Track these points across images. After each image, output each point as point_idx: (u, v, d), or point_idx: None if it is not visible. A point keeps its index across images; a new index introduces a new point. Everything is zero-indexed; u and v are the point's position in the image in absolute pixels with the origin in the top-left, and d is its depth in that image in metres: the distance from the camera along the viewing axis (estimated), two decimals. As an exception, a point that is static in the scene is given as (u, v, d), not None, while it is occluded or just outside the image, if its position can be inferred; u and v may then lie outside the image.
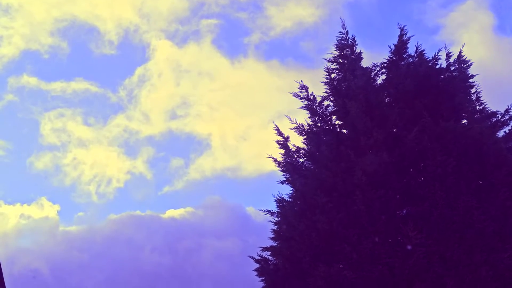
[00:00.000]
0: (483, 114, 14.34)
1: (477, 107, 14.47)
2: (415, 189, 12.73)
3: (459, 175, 12.56)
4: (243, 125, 57.73)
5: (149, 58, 58.54)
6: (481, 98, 14.49)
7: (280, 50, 59.12)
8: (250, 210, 47.46)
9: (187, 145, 60.16)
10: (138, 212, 47.80)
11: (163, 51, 54.55)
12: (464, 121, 13.91)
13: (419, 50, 14.44)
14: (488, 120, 14.10)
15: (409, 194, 12.80)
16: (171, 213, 46.96)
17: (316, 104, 14.45)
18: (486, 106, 14.45)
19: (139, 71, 55.63)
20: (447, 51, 14.43)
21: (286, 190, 14.48)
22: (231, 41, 60.43)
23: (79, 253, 42.82)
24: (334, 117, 14.40)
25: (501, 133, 14.04)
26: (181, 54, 55.17)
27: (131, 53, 57.94)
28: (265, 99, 54.52)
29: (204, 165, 54.07)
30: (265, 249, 13.92)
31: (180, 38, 59.04)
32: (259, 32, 54.70)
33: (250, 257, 14.01)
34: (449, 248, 12.00)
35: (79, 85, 52.46)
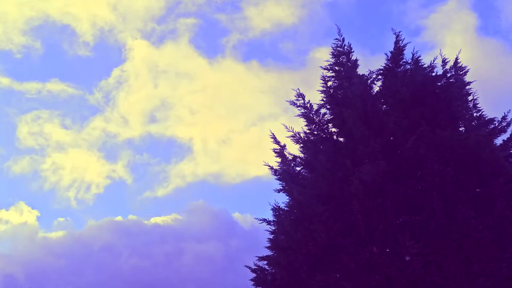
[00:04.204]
0: (480, 121, 14.64)
1: (475, 114, 14.76)
2: (413, 198, 13.01)
3: (457, 184, 12.84)
4: (224, 128, 57.72)
5: (125, 59, 58.15)
6: (478, 105, 14.82)
7: (259, 51, 59.30)
8: (237, 216, 47.57)
9: (168, 149, 60.03)
10: (119, 218, 47.71)
11: (139, 51, 54.34)
12: (462, 129, 14.22)
13: (415, 57, 14.77)
14: (485, 128, 14.41)
15: (406, 203, 13.08)
16: (155, 219, 46.98)
17: (313, 112, 14.79)
18: (483, 113, 14.77)
19: (115, 72, 55.28)
20: (443, 57, 14.75)
21: (283, 199, 14.81)
22: (209, 41, 60.10)
23: (58, 260, 42.78)
24: (330, 125, 14.73)
25: (499, 141, 14.39)
26: (158, 54, 54.97)
27: (107, 54, 57.56)
28: (245, 101, 54.65)
29: (186, 170, 53.89)
30: (261, 258, 14.22)
31: (156, 38, 58.71)
32: (237, 33, 54.64)
33: (247, 266, 14.28)
34: (446, 258, 12.28)
35: (54, 86, 52.08)
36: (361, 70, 14.88)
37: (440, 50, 14.85)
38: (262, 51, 59.25)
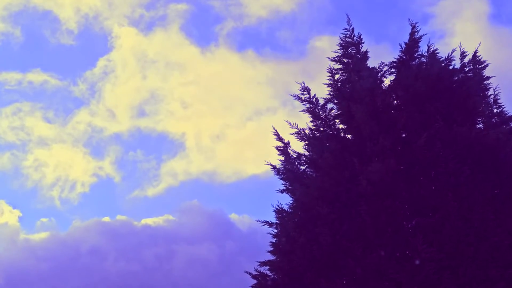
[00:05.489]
0: (501, 117, 14.23)
1: (495, 110, 14.37)
2: (425, 199, 12.61)
3: (473, 185, 12.45)
4: (219, 123, 56.91)
5: (111, 48, 57.39)
6: (499, 101, 14.39)
7: (255, 40, 58.46)
8: (234, 217, 47.12)
9: (158, 145, 59.46)
10: (106, 219, 47.42)
11: (126, 39, 53.34)
12: (480, 125, 13.80)
13: (431, 49, 14.35)
14: (506, 125, 13.98)
15: (418, 205, 12.69)
16: (145, 220, 46.69)
17: (319, 107, 14.44)
18: (504, 109, 14.34)
19: (101, 62, 54.52)
20: (461, 50, 14.31)
21: (285, 200, 14.48)
22: (201, 29, 59.11)
23: (41, 263, 42.47)
24: (337, 121, 14.37)
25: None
26: (146, 42, 54.16)
27: (92, 42, 56.68)
28: (241, 93, 53.85)
29: (178, 168, 53.36)
30: (263, 263, 13.89)
31: (145, 25, 57.91)
32: (231, 20, 53.88)
33: (247, 272, 14.01)
34: (462, 263, 11.88)
35: (36, 76, 51.53)
36: (369, 61, 14.50)
37: (460, 43, 14.47)
38: (259, 39, 58.38)
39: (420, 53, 14.52)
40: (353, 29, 14.48)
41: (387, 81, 14.36)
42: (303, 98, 14.52)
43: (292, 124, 14.40)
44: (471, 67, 14.33)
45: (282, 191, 14.59)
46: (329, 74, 14.48)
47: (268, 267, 13.78)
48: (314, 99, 14.48)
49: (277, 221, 14.17)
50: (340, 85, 14.42)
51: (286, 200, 14.39)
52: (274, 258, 13.79)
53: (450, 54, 14.33)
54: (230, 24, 54.83)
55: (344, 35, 14.51)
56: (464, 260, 11.89)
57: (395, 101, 14.02)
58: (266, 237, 14.05)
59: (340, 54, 14.55)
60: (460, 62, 14.34)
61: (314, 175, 13.99)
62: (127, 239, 43.76)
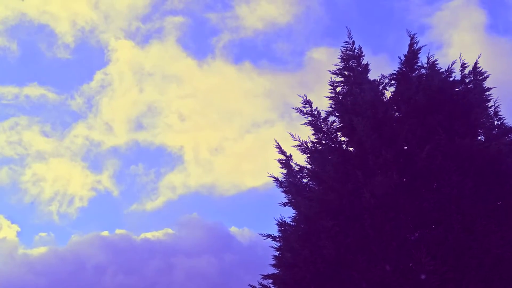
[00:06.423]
0: (501, 129, 14.31)
1: (495, 122, 14.43)
2: (429, 211, 12.67)
3: (476, 197, 12.50)
4: (217, 136, 56.97)
5: (108, 61, 57.45)
6: (499, 113, 14.48)
7: (252, 52, 58.73)
8: (234, 230, 47.08)
9: (156, 159, 59.41)
10: (105, 233, 47.25)
11: (123, 52, 53.43)
12: (481, 137, 13.88)
13: (431, 61, 14.43)
14: (507, 136, 14.04)
15: (422, 217, 12.75)
16: (144, 234, 46.53)
17: (321, 120, 14.51)
18: (504, 121, 14.42)
19: (98, 75, 54.49)
20: (461, 62, 14.38)
21: (287, 213, 14.52)
22: (198, 41, 59.29)
23: (40, 278, 42.25)
24: (339, 134, 14.43)
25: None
26: (143, 55, 54.26)
27: (88, 56, 56.81)
28: (238, 105, 53.98)
29: (176, 182, 53.24)
30: (266, 277, 13.90)
31: (141, 37, 57.97)
32: (228, 32, 54.00)
33: (251, 285, 14.00)
34: (465, 276, 11.92)
35: (33, 90, 51.47)
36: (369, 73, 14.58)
37: (460, 54, 14.53)
38: (255, 52, 58.76)
39: (419, 64, 14.59)
40: (353, 42, 14.59)
41: (388, 94, 14.48)
42: (305, 111, 14.60)
43: (294, 136, 14.51)
44: (472, 78, 14.40)
45: (284, 204, 14.62)
46: (330, 87, 14.58)
47: (272, 280, 13.79)
48: (315, 112, 14.58)
49: (280, 235, 14.20)
50: (342, 98, 14.49)
51: (287, 213, 14.43)
52: (278, 271, 13.82)
53: (450, 66, 14.40)
54: (227, 37, 55.17)
55: (345, 48, 14.62)
56: (468, 273, 11.92)
57: (397, 114, 14.09)
58: (266, 250, 14.10)
59: (341, 67, 14.65)
60: (461, 74, 14.40)
61: (316, 188, 13.99)
62: (127, 253, 43.70)
